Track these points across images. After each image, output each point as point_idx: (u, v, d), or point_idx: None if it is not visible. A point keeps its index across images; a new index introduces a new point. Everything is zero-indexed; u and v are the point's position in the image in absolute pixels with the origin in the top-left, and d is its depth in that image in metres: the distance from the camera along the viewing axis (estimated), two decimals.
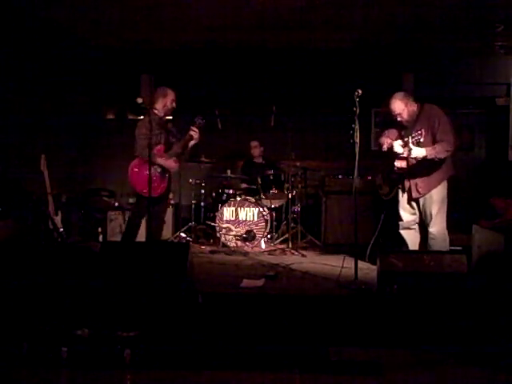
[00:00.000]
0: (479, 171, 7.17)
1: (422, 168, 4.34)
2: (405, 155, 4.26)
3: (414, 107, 4.39)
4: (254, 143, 6.81)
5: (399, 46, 6.88)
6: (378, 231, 4.86)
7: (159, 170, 4.77)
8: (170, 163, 4.82)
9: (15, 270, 3.72)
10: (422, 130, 4.09)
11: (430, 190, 4.39)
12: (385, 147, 4.49)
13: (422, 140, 4.12)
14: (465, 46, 6.72)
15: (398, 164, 4.42)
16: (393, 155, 4.44)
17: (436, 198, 4.38)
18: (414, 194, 4.47)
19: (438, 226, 4.39)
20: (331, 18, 5.84)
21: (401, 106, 4.37)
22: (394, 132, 4.57)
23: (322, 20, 5.94)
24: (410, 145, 4.12)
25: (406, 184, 4.50)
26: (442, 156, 4.20)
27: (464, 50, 6.80)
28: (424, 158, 4.20)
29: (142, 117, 5.05)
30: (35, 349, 3.19)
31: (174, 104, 4.86)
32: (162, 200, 4.85)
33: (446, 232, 4.43)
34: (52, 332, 3.30)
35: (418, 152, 4.14)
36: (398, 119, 4.42)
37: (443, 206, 4.41)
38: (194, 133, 4.77)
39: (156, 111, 4.83)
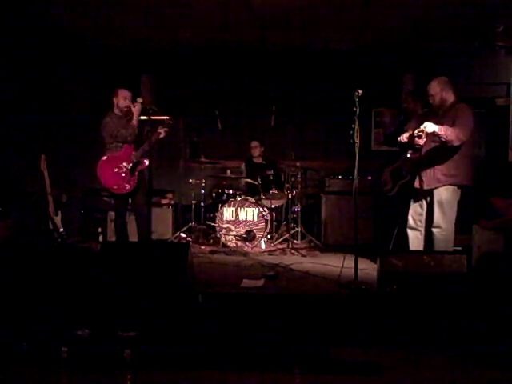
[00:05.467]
0: (479, 171, 7.16)
1: (430, 160, 4.36)
2: (421, 130, 4.17)
3: (448, 97, 4.39)
4: (254, 143, 6.80)
5: (399, 47, 6.88)
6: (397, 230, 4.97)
7: (130, 166, 4.93)
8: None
9: (15, 270, 3.72)
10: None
11: (430, 185, 4.38)
12: (404, 138, 4.52)
13: (423, 137, 4.17)
14: (465, 46, 6.72)
15: (411, 155, 4.50)
16: (409, 147, 4.49)
17: (438, 198, 4.35)
18: (416, 184, 4.49)
19: (440, 228, 4.35)
20: (331, 18, 5.83)
21: (436, 89, 4.39)
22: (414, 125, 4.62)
23: (322, 20, 5.94)
24: (425, 123, 4.13)
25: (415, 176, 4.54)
26: (450, 138, 4.12)
27: (464, 50, 6.80)
28: (435, 135, 4.15)
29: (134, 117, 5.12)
30: (35, 349, 3.19)
31: (126, 102, 5.00)
32: (136, 193, 5.01)
33: (450, 237, 4.37)
34: (52, 332, 3.30)
35: (431, 126, 4.11)
36: (430, 101, 4.46)
37: (449, 210, 4.34)
38: (165, 131, 4.97)
39: (115, 111, 5.04)
